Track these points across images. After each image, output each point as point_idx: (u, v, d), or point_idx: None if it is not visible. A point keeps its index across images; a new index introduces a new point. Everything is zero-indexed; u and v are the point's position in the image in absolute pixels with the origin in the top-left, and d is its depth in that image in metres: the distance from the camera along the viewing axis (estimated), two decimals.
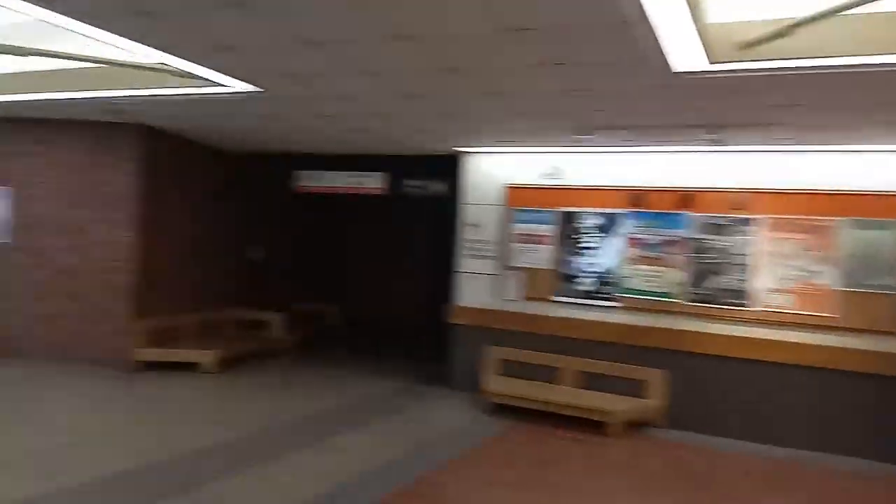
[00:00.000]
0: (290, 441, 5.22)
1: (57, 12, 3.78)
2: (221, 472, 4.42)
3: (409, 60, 4.22)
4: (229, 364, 7.77)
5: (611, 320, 6.67)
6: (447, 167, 7.88)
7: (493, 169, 7.32)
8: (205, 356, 7.48)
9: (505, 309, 7.16)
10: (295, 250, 10.81)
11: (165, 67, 4.92)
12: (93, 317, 7.31)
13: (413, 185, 7.81)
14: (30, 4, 3.68)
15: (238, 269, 9.23)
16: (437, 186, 7.69)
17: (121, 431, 5.21)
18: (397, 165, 8.24)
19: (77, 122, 7.28)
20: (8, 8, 3.79)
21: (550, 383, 6.80)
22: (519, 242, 7.15)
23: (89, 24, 3.93)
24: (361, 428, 5.74)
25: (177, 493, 4.03)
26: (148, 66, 5.03)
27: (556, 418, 6.19)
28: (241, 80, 5.05)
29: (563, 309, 6.91)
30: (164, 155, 7.65)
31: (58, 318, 7.36)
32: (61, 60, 5.71)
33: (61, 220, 7.37)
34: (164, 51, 4.41)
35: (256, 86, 5.19)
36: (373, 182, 8.02)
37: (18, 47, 4.77)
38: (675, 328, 6.41)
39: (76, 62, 5.44)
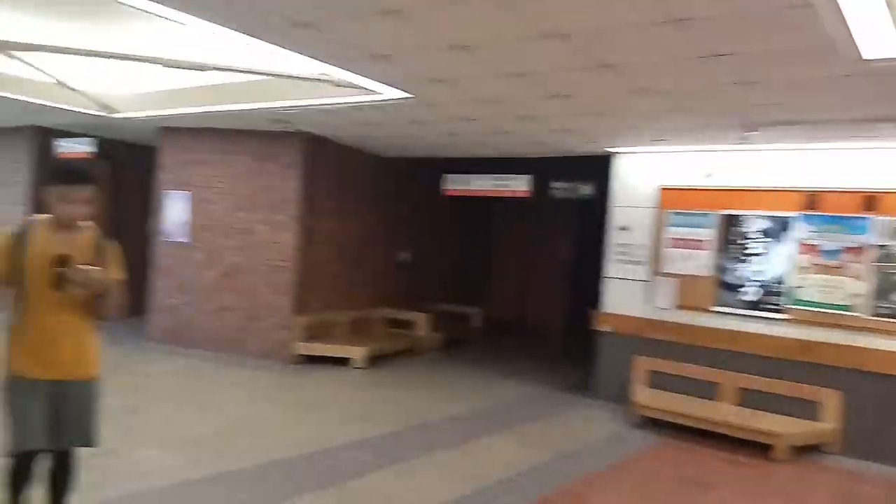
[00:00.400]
0: (434, 440, 5.28)
1: (231, 28, 4.08)
2: (368, 468, 4.55)
3: (557, 59, 4.10)
4: (378, 360, 8.05)
5: (778, 333, 6.10)
6: (595, 169, 7.64)
7: (646, 170, 6.98)
8: (356, 352, 7.80)
9: (657, 318, 6.79)
10: (442, 252, 11.01)
11: (326, 78, 5.17)
12: (258, 312, 7.88)
13: (560, 188, 7.65)
14: (206, 21, 4.00)
15: (388, 270, 9.55)
16: (585, 189, 7.46)
17: (279, 421, 5.55)
18: (543, 167, 8.13)
19: (247, 131, 7.89)
20: (186, 24, 4.15)
21: (706, 399, 6.35)
22: (673, 247, 6.76)
23: (259, 38, 4.21)
24: (503, 432, 5.69)
25: (325, 485, 4.20)
26: (311, 77, 5.32)
27: (712, 437, 5.77)
28: (393, 87, 5.19)
29: (722, 319, 6.43)
30: (324, 161, 8.09)
31: (227, 312, 8.01)
32: (234, 74, 6.22)
33: (231, 223, 8.02)
34: (325, 61, 4.62)
35: (407, 92, 5.31)
36: (519, 185, 7.94)
37: (200, 63, 5.23)
38: (854, 344, 5.73)
39: (248, 76, 5.89)
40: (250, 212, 7.94)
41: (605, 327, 7.12)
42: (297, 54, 4.48)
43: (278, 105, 6.26)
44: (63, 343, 2.81)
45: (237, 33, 4.13)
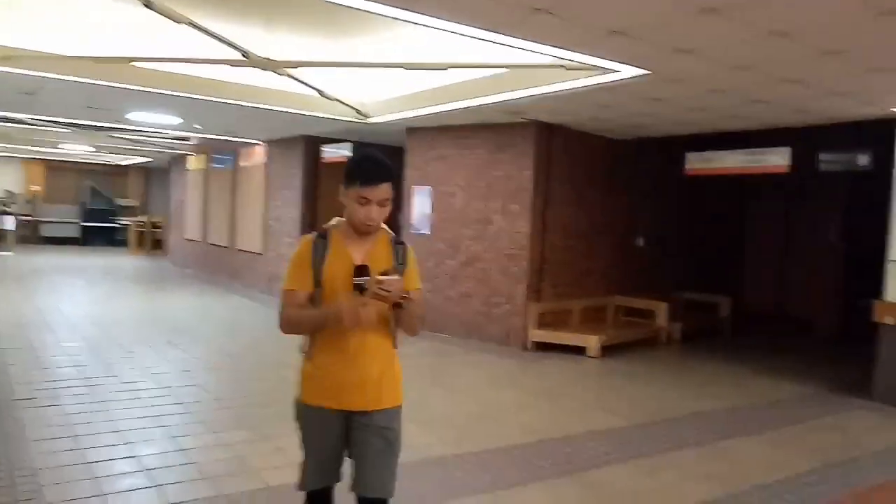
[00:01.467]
0: (675, 437, 4.96)
1: (475, 27, 4.19)
2: (605, 459, 4.42)
3: (829, 9, 3.55)
4: (613, 350, 7.82)
5: None
6: (869, 135, 6.55)
7: None
8: (590, 341, 7.66)
9: None
10: (685, 236, 10.33)
11: (560, 62, 5.11)
12: (495, 300, 8.13)
13: (830, 160, 6.66)
14: (452, 23, 4.16)
15: (624, 256, 9.22)
16: (862, 159, 6.41)
17: (518, 407, 5.64)
18: (802, 138, 7.18)
19: (482, 125, 8.15)
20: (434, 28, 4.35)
21: None
22: None
23: (500, 33, 4.27)
24: (759, 434, 5.14)
25: (562, 473, 4.16)
26: (545, 65, 5.30)
27: None
28: (631, 64, 4.94)
29: None
30: (557, 149, 8.05)
31: (467, 299, 8.38)
32: (469, 71, 6.44)
33: (470, 214, 8.36)
34: (562, 47, 4.55)
35: (644, 68, 5.02)
36: (777, 159, 7.10)
37: (439, 63, 5.50)
38: None
39: (484, 71, 6.05)
40: (487, 202, 8.20)
41: (889, 319, 6.08)
42: (532, 44, 4.48)
43: (512, 96, 6.34)
44: (364, 365, 2.35)
45: (478, 30, 4.24)
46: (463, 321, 8.42)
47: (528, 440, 4.74)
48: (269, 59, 5.51)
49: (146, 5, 4.15)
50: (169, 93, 7.04)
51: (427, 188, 8.78)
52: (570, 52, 4.67)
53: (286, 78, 6.47)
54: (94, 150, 16.22)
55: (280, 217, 11.25)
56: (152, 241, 19.03)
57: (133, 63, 5.74)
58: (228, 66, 5.86)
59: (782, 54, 4.41)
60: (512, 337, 7.97)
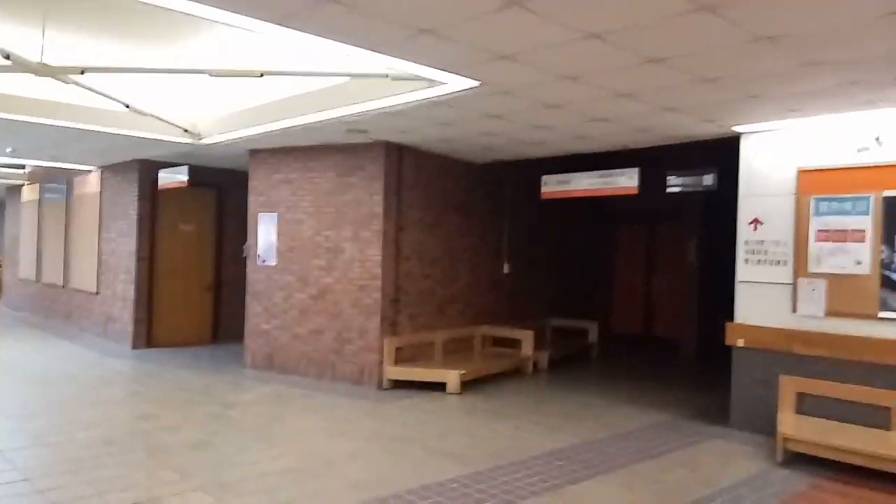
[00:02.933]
0: (520, 483, 4.45)
1: (259, 19, 3.59)
2: None
3: (647, 9, 3.23)
4: (476, 384, 7.33)
5: None
6: (717, 155, 6.54)
7: (779, 149, 5.79)
8: (449, 376, 7.13)
9: (803, 328, 5.55)
10: (553, 261, 10.13)
11: (390, 72, 4.61)
12: (347, 335, 7.45)
13: (676, 181, 6.56)
14: (231, 14, 3.54)
15: (487, 284, 8.84)
16: (707, 179, 6.34)
17: (350, 457, 4.96)
18: (657, 159, 7.11)
19: (329, 147, 7.55)
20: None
21: (872, 427, 5.04)
22: (820, 241, 5.51)
23: (288, 26, 3.69)
24: (615, 472, 4.74)
25: None
26: (374, 73, 4.78)
27: (880, 477, 4.50)
28: (453, 71, 4.50)
29: (890, 327, 5.10)
30: (409, 171, 7.57)
31: (317, 336, 7.65)
32: (307, 87, 5.84)
33: (319, 242, 7.67)
34: (374, 49, 4.03)
35: (472, 78, 4.61)
36: (625, 180, 6.96)
37: (250, 70, 4.85)
38: None
39: (323, 85, 5.46)
40: (337, 230, 7.55)
41: (739, 342, 5.96)
42: (332, 42, 3.93)
43: (345, 112, 5.79)
44: None
45: (263, 22, 3.64)
46: (314, 360, 7.66)
47: (346, 499, 4.06)
48: (44, 64, 4.64)
49: None
50: None
51: (273, 215, 8.03)
52: (390, 59, 4.15)
53: (95, 94, 5.61)
54: None
55: (115, 251, 10.05)
56: None
57: None
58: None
59: (604, 62, 4.10)
60: (366, 375, 7.31)
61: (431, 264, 7.92)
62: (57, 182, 12.22)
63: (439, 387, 7.13)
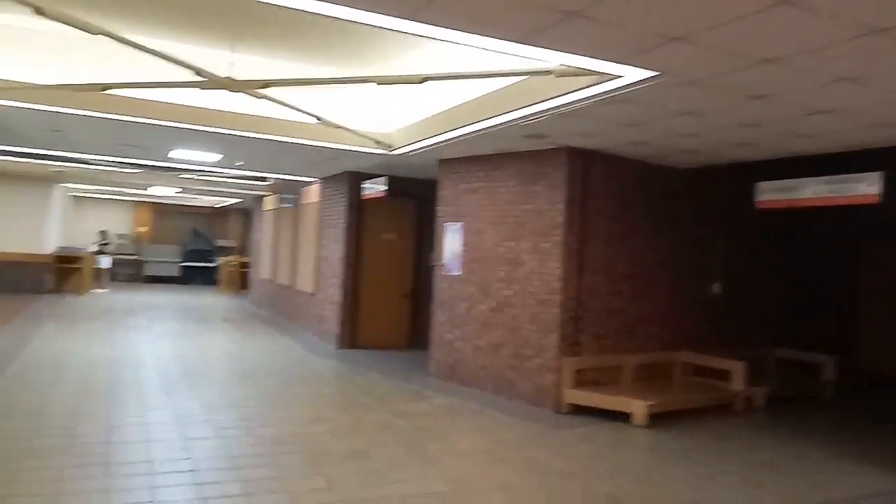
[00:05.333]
0: None
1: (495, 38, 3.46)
2: None
3: None
4: (669, 418, 6.48)
5: None
6: None
7: None
8: (635, 406, 6.38)
9: None
10: (772, 282, 8.74)
11: (564, 69, 4.19)
12: (525, 351, 7.06)
13: None
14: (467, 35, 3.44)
15: (691, 304, 7.84)
16: None
17: (502, 489, 4.57)
18: None
19: (511, 154, 7.27)
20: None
21: None
22: None
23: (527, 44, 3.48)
24: None
25: None
26: (544, 70, 4.39)
27: None
28: (629, 63, 3.92)
29: None
30: (596, 178, 6.98)
31: (496, 350, 7.37)
32: (478, 93, 5.64)
33: (500, 253, 7.41)
34: (516, 40, 3.65)
35: (650, 68, 3.98)
36: (864, 187, 5.64)
37: (413, 76, 4.74)
38: None
39: (494, 86, 5.22)
40: (517, 241, 7.22)
41: None
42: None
43: (509, 117, 5.45)
44: None
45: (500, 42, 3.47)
46: (492, 375, 7.40)
47: None
48: (231, 79, 5.00)
49: (38, 13, 3.72)
50: (187, 126, 6.83)
51: (458, 224, 7.95)
52: (530, 47, 3.72)
53: (293, 110, 6.01)
54: (180, 190, 16.85)
55: (328, 257, 10.82)
56: (239, 281, 19.43)
57: (107, 91, 5.44)
58: (199, 90, 5.43)
59: (833, 37, 3.22)
60: (543, 396, 6.85)
61: (621, 280, 7.21)
62: (289, 192, 13.57)
63: (624, 417, 6.42)
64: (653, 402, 6.43)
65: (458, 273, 7.91)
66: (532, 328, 7.00)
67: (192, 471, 4.45)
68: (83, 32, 4.21)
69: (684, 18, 3.16)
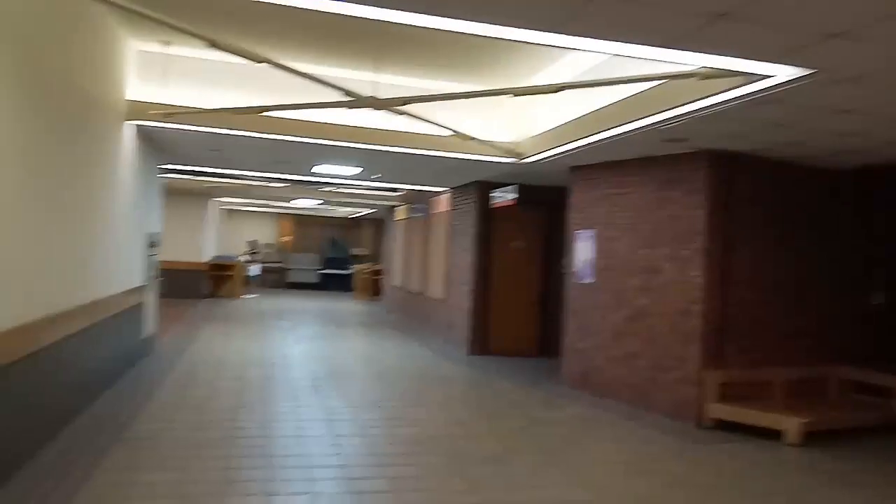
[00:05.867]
0: None
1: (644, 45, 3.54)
2: None
3: None
4: (826, 438, 6.02)
5: None
6: None
7: None
8: (789, 423, 5.98)
9: None
10: None
11: (708, 72, 4.08)
12: (663, 362, 6.84)
13: None
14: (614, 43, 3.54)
15: (851, 317, 7.23)
16: None
17: (650, 499, 4.46)
18: None
19: (645, 159, 7.09)
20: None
21: None
22: None
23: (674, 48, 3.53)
24: None
25: None
26: (686, 73, 4.29)
27: None
28: (781, 62, 3.74)
29: None
30: (741, 182, 6.64)
31: (631, 360, 7.19)
32: (611, 99, 5.60)
33: (635, 260, 7.23)
34: (663, 45, 3.59)
35: (804, 66, 3.77)
36: None
37: (549, 86, 4.78)
38: None
39: (631, 92, 5.17)
40: (655, 248, 7.02)
41: None
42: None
43: (649, 121, 5.33)
44: None
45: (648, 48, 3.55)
46: (627, 386, 7.22)
47: None
48: (375, 97, 5.29)
49: (212, 46, 4.15)
50: (331, 142, 7.31)
51: (590, 232, 7.85)
52: (677, 51, 3.65)
53: (427, 123, 6.27)
54: (321, 202, 17.89)
55: (458, 264, 11.06)
56: (372, 287, 20.27)
57: (264, 113, 5.94)
58: (345, 109, 5.79)
59: None
60: (684, 410, 6.59)
61: (770, 290, 6.79)
62: (420, 202, 14.02)
63: (773, 435, 6.04)
64: (809, 420, 6.00)
65: (590, 281, 7.81)
66: (671, 339, 6.77)
67: (342, 466, 4.73)
68: (245, 60, 4.63)
69: (845, 13, 2.97)
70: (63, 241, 5.00)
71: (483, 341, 10.29)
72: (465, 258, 10.65)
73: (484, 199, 10.22)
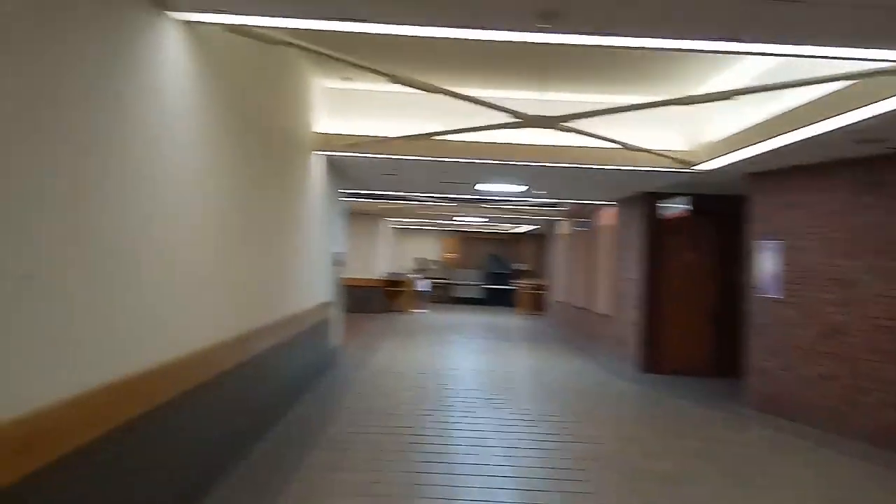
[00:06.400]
0: None
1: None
2: None
3: None
4: None
5: None
6: None
7: None
8: None
9: None
10: None
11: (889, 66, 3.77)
12: (863, 384, 6.20)
13: None
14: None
15: None
16: None
17: None
18: None
19: (835, 161, 6.52)
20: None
21: None
22: None
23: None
24: None
25: None
26: (886, 70, 3.97)
27: None
28: None
29: None
30: None
31: (825, 381, 6.59)
32: (793, 103, 5.28)
33: (828, 273, 6.65)
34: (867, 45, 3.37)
35: None
36: None
37: (720, 93, 4.63)
38: None
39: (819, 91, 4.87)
40: (851, 259, 6.42)
41: None
42: None
43: (841, 122, 4.93)
44: None
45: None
46: (821, 409, 6.63)
47: None
48: (542, 116, 5.42)
49: (392, 80, 4.52)
50: (498, 161, 7.57)
51: (775, 242, 7.34)
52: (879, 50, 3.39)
53: (594, 138, 6.31)
54: (485, 219, 18.34)
55: (626, 278, 10.81)
56: (535, 302, 20.33)
57: (433, 137, 6.30)
58: (511, 129, 5.98)
59: None
60: (887, 437, 5.93)
61: None
62: (584, 216, 13.90)
63: None
64: None
65: (776, 295, 7.29)
66: (872, 359, 6.13)
67: (517, 478, 4.86)
68: (419, 91, 4.98)
69: None
70: (268, 263, 5.66)
71: (654, 358, 9.94)
72: (634, 272, 10.39)
73: (652, 210, 9.93)
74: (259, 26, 3.65)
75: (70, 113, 2.47)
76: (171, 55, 3.34)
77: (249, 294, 5.10)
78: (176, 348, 3.54)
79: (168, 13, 3.24)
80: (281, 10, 3.37)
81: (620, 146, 6.66)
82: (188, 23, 3.45)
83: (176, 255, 3.54)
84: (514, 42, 3.53)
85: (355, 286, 15.61)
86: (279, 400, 6.13)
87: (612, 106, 5.33)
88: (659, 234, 9.99)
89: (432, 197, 12.74)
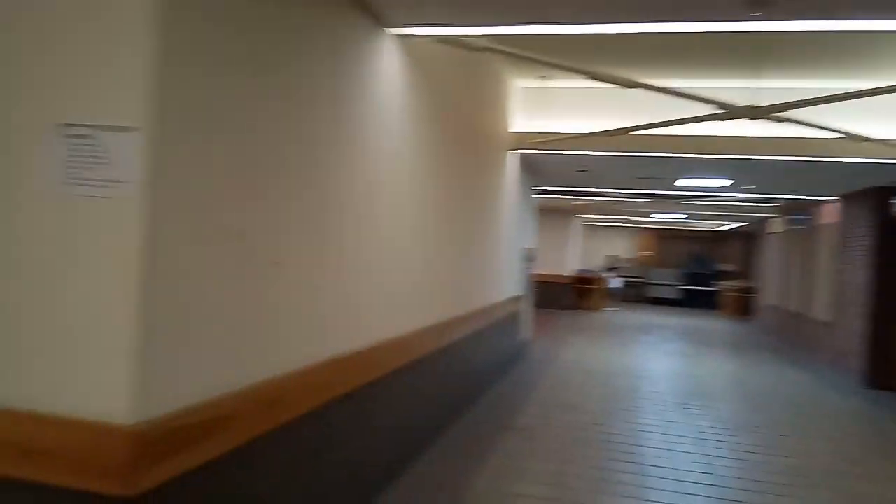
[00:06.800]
0: None
1: None
2: None
3: None
4: None
5: None
6: None
7: None
8: None
9: None
10: None
11: None
12: None
13: None
14: None
15: None
16: None
17: None
18: None
19: None
20: None
21: None
22: None
23: None
24: None
25: None
26: None
27: None
28: None
29: None
30: None
31: None
32: None
33: None
34: None
35: None
36: None
37: None
38: None
39: None
40: None
41: None
42: None
43: None
44: None
45: None
46: None
47: None
48: (751, 107, 5.10)
49: (591, 77, 4.55)
50: (700, 156, 7.24)
51: None
52: None
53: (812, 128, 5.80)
54: (684, 216, 17.43)
55: (849, 282, 9.69)
56: (741, 306, 18.88)
57: (631, 132, 6.19)
58: (716, 122, 5.68)
59: None
60: None
61: None
62: (800, 213, 12.66)
63: None
64: None
65: None
66: None
67: (714, 485, 4.65)
68: (615, 87, 4.93)
69: None
70: (467, 259, 5.99)
71: (882, 372, 8.81)
72: (860, 275, 9.28)
73: (883, 206, 8.79)
74: (463, 35, 3.91)
75: (320, 127, 2.90)
76: (389, 68, 3.71)
77: (450, 286, 5.46)
78: (395, 330, 4.01)
79: (386, 30, 3.61)
80: (484, 19, 3.59)
81: (844, 136, 6.02)
82: (402, 36, 3.80)
83: (398, 254, 4.03)
84: (720, 32, 3.41)
85: (545, 282, 15.71)
86: (474, 385, 6.46)
87: (832, 94, 4.85)
88: (891, 232, 8.82)
89: (627, 193, 12.41)
